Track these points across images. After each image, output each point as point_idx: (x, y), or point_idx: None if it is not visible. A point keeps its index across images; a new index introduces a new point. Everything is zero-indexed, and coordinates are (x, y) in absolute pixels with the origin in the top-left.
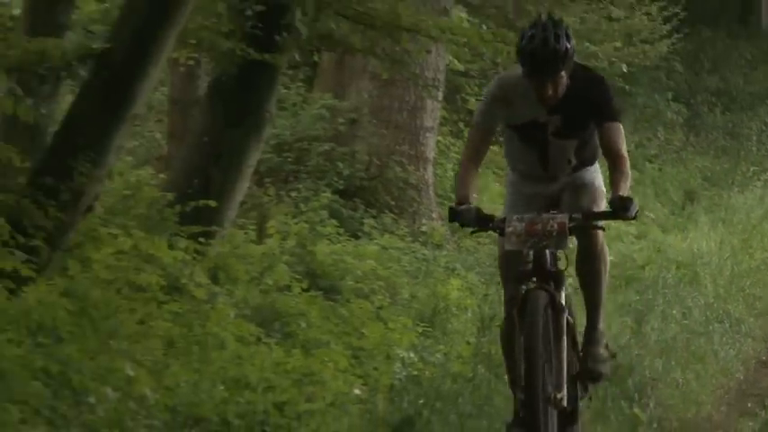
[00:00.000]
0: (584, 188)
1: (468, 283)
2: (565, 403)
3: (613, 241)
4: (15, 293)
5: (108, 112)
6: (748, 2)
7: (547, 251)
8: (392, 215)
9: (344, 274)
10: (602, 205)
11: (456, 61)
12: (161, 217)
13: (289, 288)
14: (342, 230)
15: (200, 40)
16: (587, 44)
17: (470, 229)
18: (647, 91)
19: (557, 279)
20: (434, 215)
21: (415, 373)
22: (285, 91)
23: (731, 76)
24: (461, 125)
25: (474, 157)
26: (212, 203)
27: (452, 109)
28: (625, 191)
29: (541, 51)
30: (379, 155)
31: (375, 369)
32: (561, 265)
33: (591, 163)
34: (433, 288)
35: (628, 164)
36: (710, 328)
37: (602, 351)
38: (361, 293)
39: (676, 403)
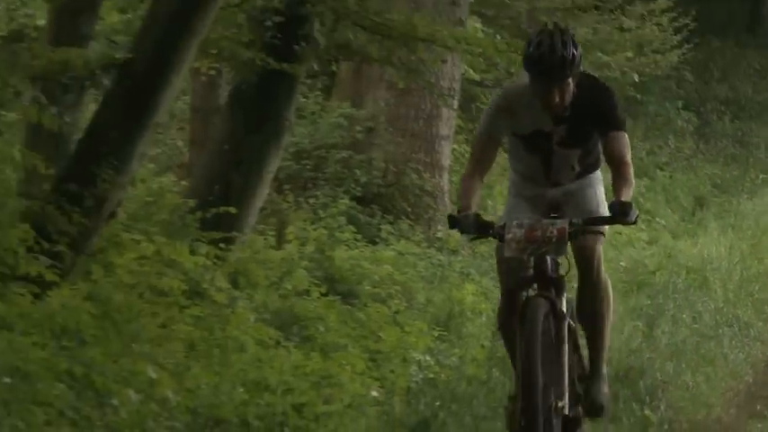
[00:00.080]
0: (585, 195)
1: (483, 288)
2: (567, 411)
3: (625, 247)
4: (40, 297)
5: (131, 120)
6: (756, 12)
7: (548, 257)
8: (408, 221)
9: (362, 279)
10: (603, 212)
11: (471, 71)
12: (182, 223)
13: (307, 292)
14: (359, 236)
15: (221, 50)
16: (600, 54)
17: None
18: (657, 100)
19: (558, 285)
20: None
21: (431, 375)
22: (304, 100)
23: (740, 85)
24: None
25: (478, 167)
26: (233, 210)
27: (467, 118)
28: (627, 197)
29: (549, 57)
30: (395, 162)
31: (392, 372)
32: (562, 270)
33: (594, 170)
34: (449, 293)
35: (632, 171)
36: (720, 331)
37: (605, 388)
38: (378, 298)
39: (686, 405)
